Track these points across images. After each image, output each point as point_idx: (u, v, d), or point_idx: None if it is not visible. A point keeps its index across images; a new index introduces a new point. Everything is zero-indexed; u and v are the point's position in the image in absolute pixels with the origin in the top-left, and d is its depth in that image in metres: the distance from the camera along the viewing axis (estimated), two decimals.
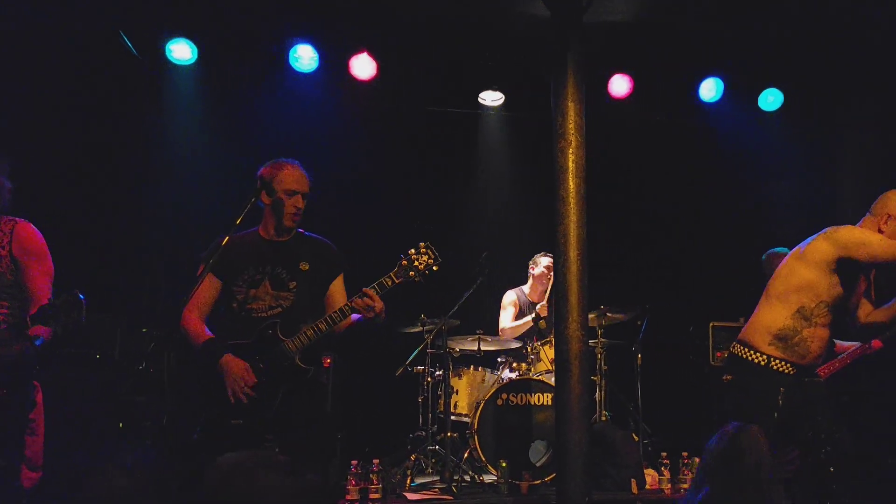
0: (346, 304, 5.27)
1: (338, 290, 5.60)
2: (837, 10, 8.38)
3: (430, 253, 5.36)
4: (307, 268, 5.46)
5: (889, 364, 7.68)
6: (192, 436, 5.22)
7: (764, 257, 8.02)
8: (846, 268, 5.45)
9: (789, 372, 5.44)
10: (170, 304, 8.09)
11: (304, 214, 5.53)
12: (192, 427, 5.25)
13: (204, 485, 3.22)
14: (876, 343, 7.45)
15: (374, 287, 5.25)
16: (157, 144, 9.26)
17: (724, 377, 5.77)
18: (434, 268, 5.35)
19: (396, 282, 5.29)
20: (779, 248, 7.76)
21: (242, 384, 5.10)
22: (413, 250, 5.35)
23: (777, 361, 5.45)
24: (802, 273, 5.51)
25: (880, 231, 5.54)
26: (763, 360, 5.48)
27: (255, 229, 5.56)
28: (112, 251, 8.82)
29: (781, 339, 5.47)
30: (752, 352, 5.54)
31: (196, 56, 8.94)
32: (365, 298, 5.19)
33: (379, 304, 5.23)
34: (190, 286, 5.09)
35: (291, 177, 5.45)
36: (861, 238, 5.44)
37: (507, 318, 9.40)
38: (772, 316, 5.56)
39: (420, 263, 5.31)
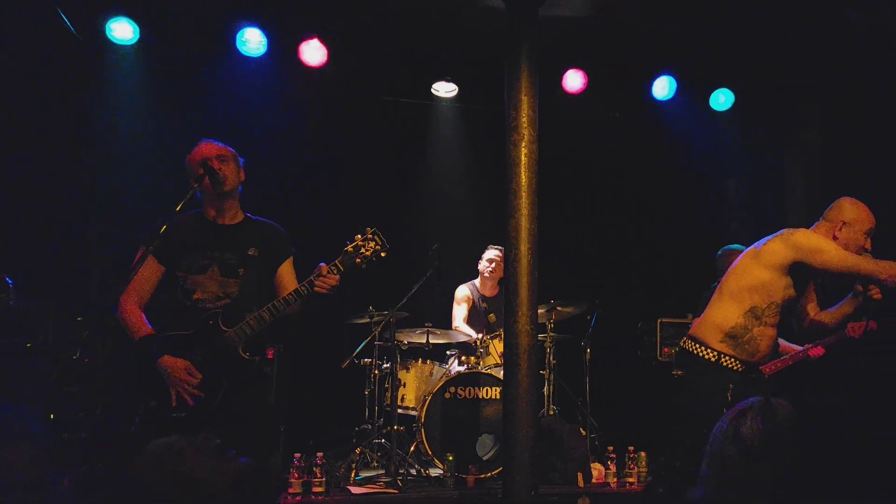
0: (291, 293, 5.13)
1: (287, 273, 5.44)
2: (788, 12, 8.44)
3: (378, 239, 5.22)
4: (256, 254, 5.29)
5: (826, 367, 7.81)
6: (129, 427, 5.03)
7: (719, 253, 8.06)
8: (799, 271, 5.52)
9: (738, 369, 5.49)
10: (106, 290, 7.97)
11: (244, 198, 5.43)
12: (128, 418, 5.07)
13: (132, 468, 3.14)
14: (817, 350, 7.50)
15: (317, 276, 5.11)
16: (95, 126, 9.03)
17: (674, 372, 5.79)
18: (381, 254, 5.21)
19: (341, 269, 5.13)
20: (733, 245, 7.84)
21: (185, 385, 4.97)
22: (360, 235, 5.22)
23: (727, 358, 5.50)
24: (757, 273, 5.56)
25: (834, 237, 5.63)
26: (713, 357, 5.52)
27: (199, 210, 5.38)
28: (46, 235, 8.57)
29: (732, 336, 5.52)
30: (702, 348, 5.58)
31: (138, 36, 8.72)
32: (289, 305, 5.11)
33: (333, 279, 5.11)
34: (128, 271, 4.90)
35: (207, 147, 5.27)
36: (817, 245, 5.50)
37: (460, 316, 9.38)
38: (724, 314, 5.60)
39: (367, 250, 5.18)
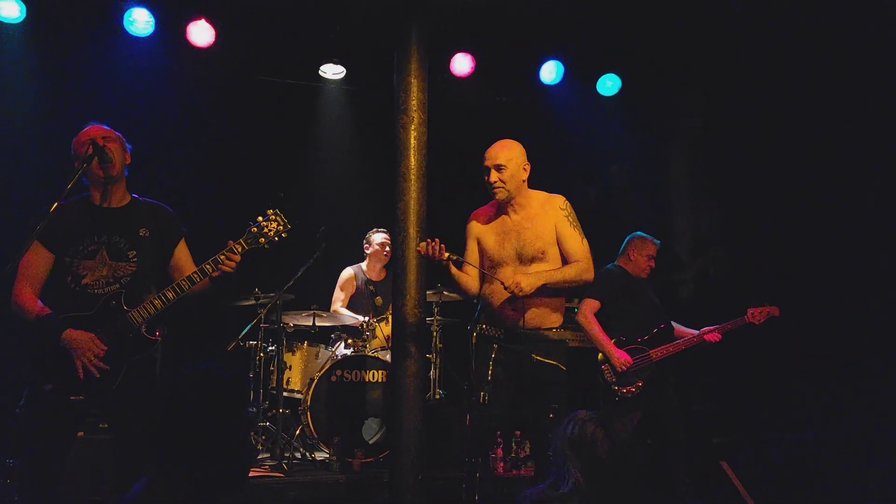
0: (196, 272, 5.17)
1: (182, 255, 5.47)
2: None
3: (280, 219, 5.35)
4: (147, 234, 5.29)
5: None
6: (14, 410, 5.03)
7: (628, 239, 8.34)
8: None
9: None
10: None
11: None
12: (16, 402, 5.05)
13: None
14: (714, 336, 7.80)
15: (224, 254, 5.17)
16: None
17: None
18: (283, 234, 5.35)
19: (245, 248, 5.25)
20: (639, 233, 8.26)
21: (92, 355, 4.95)
22: (261, 217, 5.32)
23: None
24: None
25: None
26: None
27: (86, 195, 5.33)
28: None
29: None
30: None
31: (24, 14, 8.54)
32: (195, 284, 5.17)
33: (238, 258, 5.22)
34: (15, 258, 4.85)
35: (94, 129, 5.26)
36: None
37: (339, 299, 9.32)
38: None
39: (269, 230, 5.30)
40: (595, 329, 7.80)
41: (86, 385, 4.97)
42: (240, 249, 5.23)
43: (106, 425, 5.98)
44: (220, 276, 5.21)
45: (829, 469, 7.72)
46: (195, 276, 5.17)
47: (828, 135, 8.50)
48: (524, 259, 6.02)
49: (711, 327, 7.86)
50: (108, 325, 5.05)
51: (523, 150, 6.39)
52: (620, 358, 7.64)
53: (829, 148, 8.52)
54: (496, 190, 6.10)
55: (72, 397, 4.96)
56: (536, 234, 6.06)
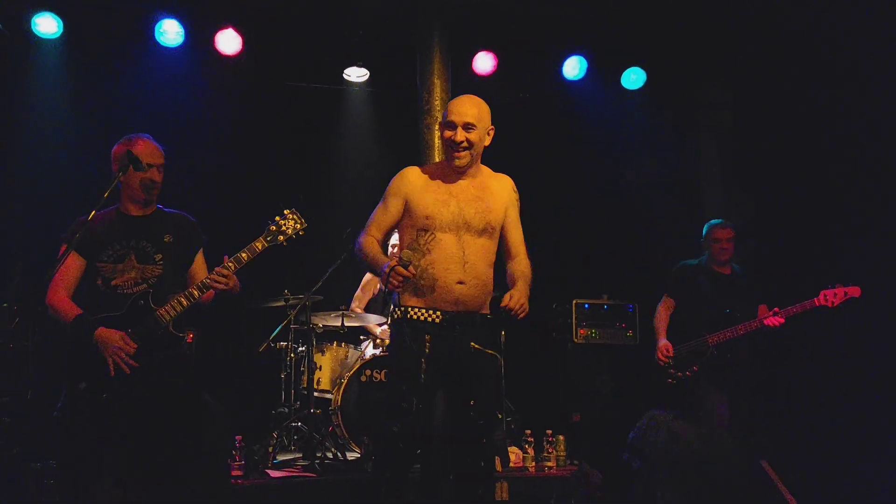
0: (209, 276, 5.35)
1: (199, 264, 5.70)
2: None
3: (297, 217, 5.56)
4: (171, 240, 5.52)
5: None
6: (52, 413, 5.19)
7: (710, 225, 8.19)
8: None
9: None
10: (29, 280, 7.88)
11: (162, 188, 5.57)
12: (55, 403, 5.21)
13: None
14: (776, 320, 7.51)
15: (245, 251, 5.38)
16: (21, 119, 9.02)
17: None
18: (301, 232, 5.56)
19: (266, 245, 5.46)
20: (712, 221, 8.18)
21: (123, 353, 5.12)
22: (279, 216, 5.53)
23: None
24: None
25: None
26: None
27: (116, 206, 5.57)
28: None
29: None
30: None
31: (61, 30, 8.74)
32: (219, 277, 5.31)
33: (232, 281, 5.35)
34: (52, 264, 5.06)
35: (146, 150, 5.44)
36: None
37: (358, 299, 9.29)
38: None
39: (287, 228, 5.50)
40: (656, 320, 8.09)
41: (118, 383, 5.14)
42: (259, 248, 5.44)
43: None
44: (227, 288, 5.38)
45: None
46: (207, 279, 5.36)
47: (863, 124, 8.41)
48: (471, 229, 5.31)
49: (776, 310, 7.54)
50: (137, 323, 5.23)
51: (490, 112, 5.52)
52: (660, 348, 7.84)
53: (864, 137, 8.43)
54: (460, 154, 5.30)
55: (104, 395, 5.12)
56: (488, 206, 5.41)
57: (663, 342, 7.87)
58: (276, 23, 9.15)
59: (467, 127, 5.30)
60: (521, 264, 5.64)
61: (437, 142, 6.60)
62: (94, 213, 5.02)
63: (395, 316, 5.30)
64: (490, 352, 5.39)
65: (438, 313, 5.22)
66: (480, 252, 5.40)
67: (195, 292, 5.33)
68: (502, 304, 5.15)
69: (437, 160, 6.60)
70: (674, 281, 8.12)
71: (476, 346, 5.31)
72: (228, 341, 8.85)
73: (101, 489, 5.24)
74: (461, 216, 5.28)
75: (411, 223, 5.34)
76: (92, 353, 5.15)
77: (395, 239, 8.57)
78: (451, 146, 5.30)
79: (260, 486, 7.03)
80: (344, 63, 9.93)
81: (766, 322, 7.51)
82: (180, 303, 5.30)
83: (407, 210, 5.37)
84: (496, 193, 5.52)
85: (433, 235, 5.21)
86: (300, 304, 8.25)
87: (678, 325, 7.93)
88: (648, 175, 10.60)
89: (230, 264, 5.35)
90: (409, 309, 5.22)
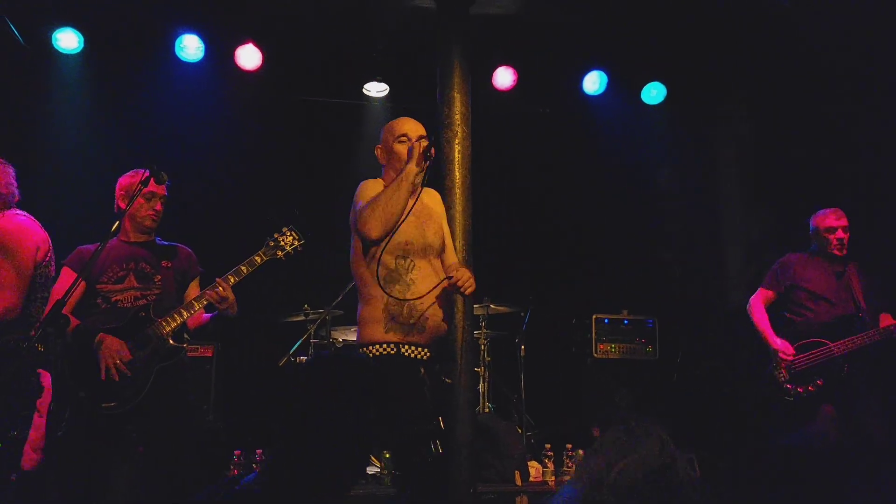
0: (208, 288, 5.57)
1: (194, 290, 5.86)
2: (718, 4, 8.53)
3: (294, 234, 5.85)
4: (169, 265, 5.77)
5: None
6: (57, 433, 5.32)
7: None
8: None
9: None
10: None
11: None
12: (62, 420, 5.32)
13: None
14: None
15: (245, 264, 5.62)
16: (41, 134, 9.04)
17: None
18: (298, 248, 5.85)
19: (264, 259, 5.72)
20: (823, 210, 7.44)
21: (117, 359, 5.29)
22: (277, 233, 5.82)
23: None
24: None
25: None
26: None
27: (117, 236, 5.76)
28: None
29: None
30: None
31: (82, 45, 8.77)
32: (218, 289, 5.48)
33: (230, 296, 5.53)
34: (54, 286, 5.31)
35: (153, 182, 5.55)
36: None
37: None
38: None
39: (285, 244, 5.79)
40: (756, 316, 7.31)
41: (116, 392, 5.31)
42: (258, 261, 5.69)
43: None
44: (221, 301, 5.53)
45: None
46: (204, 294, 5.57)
47: (884, 136, 8.38)
48: (432, 252, 5.04)
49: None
50: (137, 333, 5.42)
51: None
52: (778, 346, 7.05)
53: (886, 150, 8.39)
54: (420, 171, 4.93)
55: (103, 405, 5.28)
56: (439, 225, 5.19)
57: (780, 341, 7.07)
58: (297, 38, 9.16)
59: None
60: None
61: (457, 156, 6.59)
62: (99, 244, 5.10)
63: (384, 352, 4.83)
64: (449, 381, 5.38)
65: (426, 350, 4.92)
66: (441, 276, 5.04)
67: (196, 304, 5.53)
68: (451, 282, 4.87)
69: (457, 174, 6.58)
70: (777, 273, 7.43)
71: (448, 380, 5.29)
72: (249, 356, 8.85)
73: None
74: (424, 238, 5.00)
75: (386, 250, 4.83)
76: (92, 364, 5.31)
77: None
78: (420, 160, 4.93)
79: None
80: (364, 78, 9.95)
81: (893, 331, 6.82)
82: (180, 314, 5.51)
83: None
84: (439, 209, 5.31)
85: (413, 262, 4.92)
86: (320, 319, 8.28)
87: (779, 328, 7.21)
88: (668, 190, 10.58)
89: (230, 277, 5.54)
90: (401, 346, 4.82)
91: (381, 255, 4.79)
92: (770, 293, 7.42)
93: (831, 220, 7.23)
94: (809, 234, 7.46)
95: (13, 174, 6.08)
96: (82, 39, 8.73)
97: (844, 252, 7.20)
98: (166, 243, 5.92)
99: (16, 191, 6.06)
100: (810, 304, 7.16)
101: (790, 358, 6.99)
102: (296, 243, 5.82)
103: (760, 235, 9.80)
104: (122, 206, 5.68)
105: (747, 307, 7.42)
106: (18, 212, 6.00)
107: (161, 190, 5.69)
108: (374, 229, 4.76)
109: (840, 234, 7.18)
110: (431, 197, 5.29)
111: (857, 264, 7.26)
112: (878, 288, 7.20)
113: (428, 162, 4.89)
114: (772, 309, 7.42)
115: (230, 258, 5.81)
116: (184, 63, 9.04)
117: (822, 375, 6.90)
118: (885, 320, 6.99)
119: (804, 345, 7.01)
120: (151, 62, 9.11)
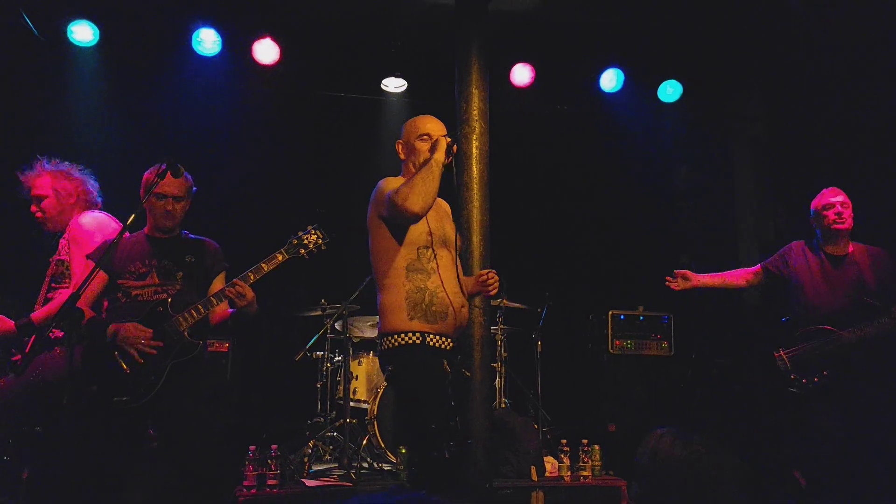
0: (227, 285, 5.57)
1: (219, 285, 5.87)
2: (734, 2, 8.54)
3: (319, 233, 5.77)
4: (192, 260, 5.78)
5: None
6: (72, 426, 5.35)
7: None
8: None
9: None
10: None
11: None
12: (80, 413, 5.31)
13: None
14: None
15: (265, 262, 5.60)
16: (56, 127, 9.02)
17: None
18: (322, 247, 5.77)
19: (286, 257, 5.68)
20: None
21: (140, 340, 5.34)
22: (302, 231, 5.76)
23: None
24: None
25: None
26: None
27: (142, 230, 5.87)
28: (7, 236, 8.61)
29: None
30: None
31: (98, 38, 8.76)
32: (236, 287, 5.49)
33: (249, 293, 5.52)
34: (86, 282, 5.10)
35: (169, 181, 5.62)
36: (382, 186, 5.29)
37: None
38: None
39: (309, 242, 5.72)
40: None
41: (130, 386, 5.34)
42: (280, 258, 5.65)
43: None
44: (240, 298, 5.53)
45: None
46: (224, 291, 5.57)
47: None
48: (450, 245, 5.19)
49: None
50: (154, 327, 5.43)
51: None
52: (703, 279, 7.15)
53: None
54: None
55: (115, 398, 5.31)
56: (451, 220, 5.36)
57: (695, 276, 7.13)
58: (314, 32, 9.17)
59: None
60: None
61: (475, 151, 6.61)
62: (120, 235, 5.12)
63: (409, 342, 4.89)
64: (468, 374, 5.56)
65: (449, 340, 5.01)
66: (460, 272, 5.23)
67: (213, 300, 5.55)
68: (480, 279, 5.20)
69: (475, 170, 6.61)
70: (780, 256, 7.13)
71: (467, 373, 5.42)
72: (266, 350, 8.88)
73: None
74: (443, 232, 5.14)
75: (408, 240, 5.02)
76: (105, 357, 5.36)
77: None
78: (444, 157, 5.07)
79: (295, 496, 7.06)
80: (382, 73, 9.97)
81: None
82: (198, 310, 5.53)
83: (400, 226, 5.05)
84: (446, 208, 5.42)
85: (434, 253, 5.03)
86: (337, 314, 8.29)
87: (781, 316, 6.94)
88: (684, 187, 10.59)
89: (249, 274, 5.54)
90: (426, 335, 4.89)
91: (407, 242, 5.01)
92: (759, 267, 7.22)
93: (827, 197, 6.93)
94: (811, 221, 7.09)
95: (90, 181, 6.49)
96: (97, 32, 8.73)
97: (846, 225, 6.81)
98: (193, 237, 5.95)
99: (93, 194, 6.43)
100: (810, 291, 6.81)
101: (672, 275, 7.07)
102: (320, 242, 5.75)
103: (775, 233, 9.81)
104: (145, 203, 5.68)
105: None
106: (98, 212, 6.27)
107: (174, 189, 5.68)
108: (415, 204, 4.81)
109: (838, 208, 6.84)
110: (441, 199, 5.34)
111: (871, 248, 6.93)
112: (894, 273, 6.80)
113: (450, 158, 5.02)
114: (775, 297, 7.32)
115: (245, 253, 5.86)
116: (201, 57, 9.04)
117: (828, 365, 6.53)
118: None
119: (807, 332, 6.67)
120: (168, 56, 9.11)
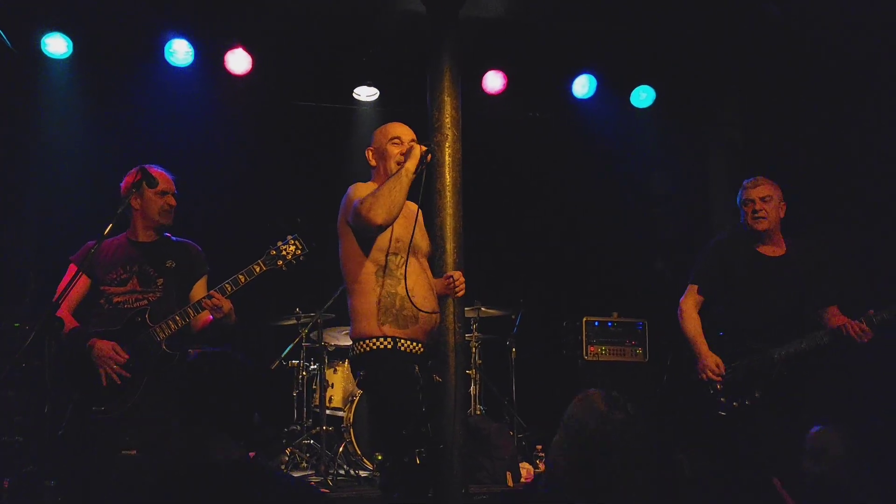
0: (204, 297, 5.57)
1: (200, 289, 5.89)
2: (707, 7, 8.58)
3: (298, 243, 5.76)
4: (173, 265, 5.77)
5: None
6: (57, 433, 5.39)
7: None
8: None
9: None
10: (41, 299, 7.93)
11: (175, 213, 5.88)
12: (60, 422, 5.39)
13: None
14: (857, 328, 5.81)
15: (243, 273, 5.59)
16: (31, 140, 9.07)
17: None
18: (301, 258, 5.76)
19: (264, 269, 5.66)
20: None
21: (112, 362, 5.35)
22: (281, 241, 5.74)
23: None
24: None
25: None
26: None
27: (124, 234, 5.85)
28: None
29: None
30: None
31: (71, 50, 8.75)
32: (213, 299, 5.50)
33: (226, 305, 5.52)
34: (64, 291, 5.17)
35: (162, 178, 5.69)
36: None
37: None
38: None
39: (287, 253, 5.69)
40: (686, 322, 6.29)
41: (108, 397, 5.37)
42: (257, 270, 5.64)
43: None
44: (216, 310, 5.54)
45: None
46: (203, 300, 5.57)
47: (875, 143, 8.37)
48: (420, 251, 5.20)
49: (870, 312, 5.80)
50: (132, 338, 5.45)
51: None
52: (707, 364, 6.04)
53: (875, 157, 8.38)
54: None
55: (93, 408, 5.36)
56: (422, 227, 5.30)
57: (711, 357, 6.08)
58: (286, 42, 9.16)
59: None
60: None
61: (447, 159, 6.60)
62: (103, 239, 5.17)
63: (380, 346, 4.86)
64: (439, 379, 5.57)
65: (420, 345, 4.99)
66: (430, 277, 5.30)
67: (190, 311, 5.55)
68: (447, 281, 5.35)
69: (448, 177, 6.60)
70: (702, 262, 6.42)
71: (438, 378, 5.48)
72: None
73: None
74: (416, 241, 5.10)
75: (377, 246, 4.98)
76: (85, 366, 5.38)
77: None
78: (419, 166, 5.00)
79: None
80: (354, 82, 9.97)
81: (848, 331, 5.77)
82: (175, 321, 5.52)
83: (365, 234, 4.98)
84: (415, 210, 5.18)
85: (403, 259, 4.95)
86: (312, 323, 8.31)
87: (707, 330, 6.24)
88: (659, 193, 10.62)
89: (226, 286, 5.54)
90: (398, 340, 4.87)
91: (373, 250, 4.98)
92: (695, 287, 6.40)
93: (747, 192, 6.23)
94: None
95: None
96: (71, 44, 8.72)
97: (764, 225, 6.09)
98: (176, 240, 5.97)
99: None
100: (740, 303, 6.18)
101: (719, 378, 6.02)
102: (298, 252, 5.72)
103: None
104: (134, 204, 5.71)
105: (677, 312, 6.40)
106: None
107: (172, 186, 5.81)
108: (378, 216, 4.77)
109: (757, 204, 6.11)
110: (412, 205, 5.23)
111: (811, 243, 6.33)
112: (831, 273, 6.23)
113: (423, 167, 4.98)
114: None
115: (221, 262, 5.87)
116: (173, 68, 9.03)
117: (758, 386, 5.98)
118: (835, 318, 6.03)
119: (734, 352, 6.10)
120: (141, 67, 9.10)
